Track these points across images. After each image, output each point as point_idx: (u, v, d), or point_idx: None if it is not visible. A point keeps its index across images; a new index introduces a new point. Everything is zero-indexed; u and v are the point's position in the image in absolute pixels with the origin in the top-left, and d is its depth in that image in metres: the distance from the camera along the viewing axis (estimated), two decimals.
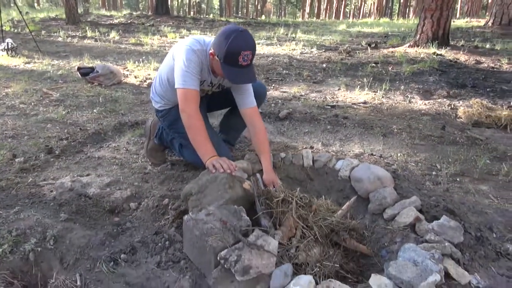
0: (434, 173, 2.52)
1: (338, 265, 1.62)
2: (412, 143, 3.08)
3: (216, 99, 2.48)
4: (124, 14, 17.67)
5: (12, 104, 3.86)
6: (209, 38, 2.13)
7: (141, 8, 49.78)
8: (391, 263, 1.40)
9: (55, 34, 9.70)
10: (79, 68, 4.89)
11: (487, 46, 8.16)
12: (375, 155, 2.79)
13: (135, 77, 5.26)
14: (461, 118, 3.78)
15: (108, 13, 18.59)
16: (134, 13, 20.21)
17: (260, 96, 2.41)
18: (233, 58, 1.88)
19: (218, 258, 1.38)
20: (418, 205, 1.87)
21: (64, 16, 14.28)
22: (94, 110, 3.77)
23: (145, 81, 5.04)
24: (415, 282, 1.29)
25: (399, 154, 2.81)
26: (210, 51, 1.99)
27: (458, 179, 2.47)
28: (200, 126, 1.99)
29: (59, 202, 2.01)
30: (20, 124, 3.33)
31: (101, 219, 1.95)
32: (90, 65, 5.34)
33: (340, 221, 1.75)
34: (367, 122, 3.56)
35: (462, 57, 6.68)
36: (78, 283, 1.51)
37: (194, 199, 1.76)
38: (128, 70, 5.66)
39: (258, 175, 2.05)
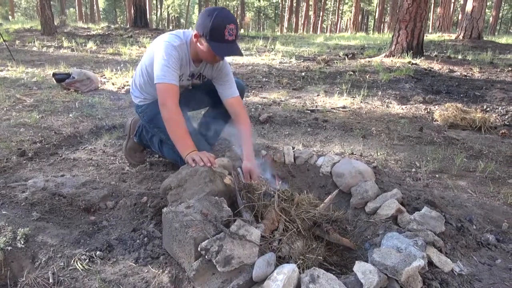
0: (413, 170, 2.55)
1: (321, 258, 1.59)
2: (391, 144, 3.11)
3: (196, 96, 2.44)
4: (102, 27, 17.49)
5: None
6: (188, 31, 2.11)
7: (119, 22, 49.55)
8: (375, 250, 1.38)
9: (30, 44, 9.49)
10: (54, 74, 4.78)
11: (459, 56, 8.44)
12: (355, 154, 2.81)
13: (113, 84, 5.18)
14: (437, 121, 3.85)
15: (85, 25, 18.37)
16: (112, 26, 20.07)
17: (239, 91, 2.39)
18: (219, 33, 1.88)
19: (199, 249, 1.34)
20: (400, 197, 1.87)
21: (39, 27, 14.04)
22: (70, 115, 3.67)
23: (123, 87, 4.97)
24: (399, 267, 1.28)
25: (379, 154, 2.83)
26: (194, 33, 1.97)
27: (437, 175, 2.50)
28: (180, 120, 1.96)
29: (31, 202, 1.92)
30: None
31: (76, 218, 1.87)
32: (66, 71, 5.23)
33: (322, 213, 1.73)
34: (347, 125, 3.59)
35: (436, 66, 6.87)
36: (51, 280, 1.43)
37: (174, 193, 1.71)
38: (105, 78, 5.57)
39: (239, 169, 2.02)
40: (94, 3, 42.11)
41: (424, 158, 2.78)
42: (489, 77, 6.19)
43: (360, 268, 1.30)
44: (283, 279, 1.23)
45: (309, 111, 4.08)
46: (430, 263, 1.48)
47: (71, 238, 1.69)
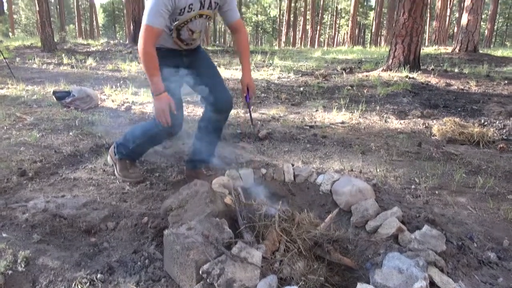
0: (413, 186, 2.56)
1: (323, 278, 1.59)
2: (390, 159, 3.12)
3: (196, 72, 2.44)
4: (102, 43, 17.65)
5: None
6: None
7: (118, 37, 50.01)
8: (377, 271, 1.38)
9: (30, 61, 9.55)
10: (54, 92, 4.81)
11: (456, 70, 8.51)
12: (354, 171, 2.82)
13: (112, 101, 5.20)
14: (435, 135, 3.87)
15: (85, 42, 18.54)
16: (112, 41, 20.25)
17: (227, 103, 2.49)
18: None
19: (200, 272, 1.34)
20: (400, 215, 1.88)
21: (39, 44, 14.16)
22: (70, 133, 3.68)
23: (123, 104, 4.99)
24: (401, 287, 1.28)
25: (378, 170, 2.84)
26: None
27: (436, 192, 2.51)
28: (151, 61, 2.07)
29: (32, 224, 1.92)
30: None
31: (76, 240, 1.87)
32: (66, 89, 5.26)
33: (323, 233, 1.74)
34: (346, 141, 3.61)
35: (433, 80, 6.93)
36: None
37: (175, 214, 1.72)
38: (105, 95, 5.60)
39: (239, 189, 2.03)
40: (94, 19, 42.54)
41: (423, 174, 2.79)
42: (486, 90, 6.24)
43: None
44: None
45: (308, 127, 4.10)
46: (432, 283, 1.48)
47: (72, 261, 1.68)
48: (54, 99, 4.83)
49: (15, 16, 43.49)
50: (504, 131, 4.04)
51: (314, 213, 2.04)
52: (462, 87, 6.46)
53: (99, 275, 1.58)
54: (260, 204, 1.82)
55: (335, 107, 4.99)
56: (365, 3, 51.20)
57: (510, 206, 2.30)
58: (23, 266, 1.61)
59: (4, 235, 1.79)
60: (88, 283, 1.54)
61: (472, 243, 1.89)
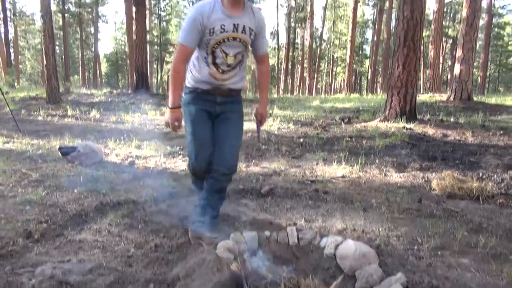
0: (415, 247, 2.58)
1: None
2: (392, 217, 3.16)
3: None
4: (104, 92, 18.14)
5: None
6: None
7: (120, 86, 51.25)
8: None
9: (35, 113, 9.79)
10: (60, 148, 4.92)
11: (452, 119, 8.71)
12: (357, 230, 2.84)
13: (116, 155, 5.30)
14: (435, 190, 3.93)
15: (88, 92, 19.04)
16: (114, 91, 20.78)
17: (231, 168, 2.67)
18: None
19: None
20: (404, 281, 1.90)
21: (44, 95, 14.55)
22: (75, 190, 3.74)
23: (126, 159, 5.09)
24: None
25: (380, 229, 2.87)
26: None
27: (439, 252, 2.52)
28: (176, 78, 2.40)
29: None
30: None
31: None
32: (71, 144, 5.37)
33: None
34: (347, 197, 3.66)
35: (430, 131, 7.08)
36: None
37: (182, 284, 1.74)
38: (109, 148, 5.72)
39: (244, 255, 2.05)
40: (97, 68, 43.80)
41: (425, 233, 2.82)
42: (482, 141, 6.37)
43: None
44: None
45: (309, 182, 4.16)
46: None
47: None
48: (59, 154, 4.93)
49: (20, 66, 44.87)
50: (503, 185, 4.10)
51: (319, 278, 2.06)
52: (459, 138, 6.59)
53: None
54: (266, 272, 1.84)
55: (335, 160, 5.08)
56: (360, 52, 53.04)
57: None
58: None
59: None
60: None
61: None
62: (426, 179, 4.34)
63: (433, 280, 1.98)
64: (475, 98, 14.71)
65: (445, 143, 6.22)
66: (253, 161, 5.14)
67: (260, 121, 2.84)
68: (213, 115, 2.59)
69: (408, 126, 7.29)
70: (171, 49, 48.05)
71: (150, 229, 2.85)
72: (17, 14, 40.72)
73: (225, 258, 1.90)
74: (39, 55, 47.58)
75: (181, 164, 5.01)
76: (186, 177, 4.27)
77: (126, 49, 47.17)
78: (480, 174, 4.47)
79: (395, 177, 4.47)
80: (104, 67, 58.84)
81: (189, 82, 2.57)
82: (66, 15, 36.39)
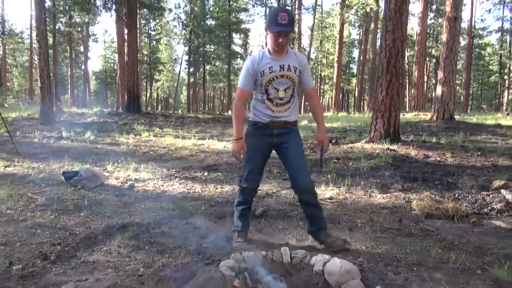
0: (394, 263, 2.90)
1: None
2: (375, 236, 3.49)
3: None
4: (95, 111, 18.37)
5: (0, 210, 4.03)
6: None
7: (109, 104, 51.36)
8: None
9: (30, 134, 9.97)
10: (63, 173, 5.17)
11: (434, 139, 9.18)
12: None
13: (116, 178, 5.57)
14: (415, 210, 4.28)
15: (79, 111, 19.26)
16: (105, 110, 21.01)
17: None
18: (273, 20, 2.74)
19: None
20: None
21: (36, 115, 14.72)
22: (81, 214, 3.99)
23: (126, 182, 5.35)
24: None
25: (363, 247, 3.20)
26: (265, 29, 2.90)
27: (415, 268, 2.85)
28: (237, 115, 2.99)
29: None
30: (11, 230, 3.50)
31: None
32: (74, 169, 5.62)
33: None
34: (334, 217, 3.98)
35: (413, 152, 7.50)
36: None
37: None
38: (108, 171, 5.97)
39: (246, 273, 2.35)
40: (87, 87, 43.92)
41: (404, 250, 3.15)
42: (461, 162, 6.80)
43: None
44: None
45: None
46: None
47: None
48: (62, 177, 5.17)
49: (8, 84, 44.76)
50: (476, 205, 4.48)
51: None
52: (439, 159, 7.01)
53: None
54: (264, 286, 2.14)
55: (323, 182, 5.42)
56: (347, 70, 54.20)
57: (478, 280, 2.65)
58: None
59: None
60: None
61: None
62: (407, 199, 4.70)
63: None
64: (457, 117, 15.35)
65: (426, 164, 6.63)
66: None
67: (322, 148, 3.21)
68: (273, 145, 3.12)
69: (392, 147, 7.70)
70: (160, 67, 48.62)
71: (156, 250, 3.12)
72: (6, 33, 40.82)
73: (228, 276, 2.19)
74: (26, 73, 47.64)
75: (178, 186, 5.29)
76: (183, 200, 4.57)
77: (115, 67, 47.60)
78: (456, 195, 4.85)
79: (378, 198, 4.82)
80: (92, 84, 58.97)
81: (252, 117, 3.11)
82: (56, 34, 36.69)
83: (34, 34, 40.68)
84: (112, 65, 54.81)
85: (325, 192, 5.00)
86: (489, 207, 4.37)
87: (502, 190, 4.70)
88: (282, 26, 2.74)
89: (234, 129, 3.01)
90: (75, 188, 4.91)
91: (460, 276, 2.72)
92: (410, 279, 2.66)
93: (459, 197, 4.77)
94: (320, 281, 2.49)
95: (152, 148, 8.44)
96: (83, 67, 46.98)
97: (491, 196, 4.69)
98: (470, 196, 4.77)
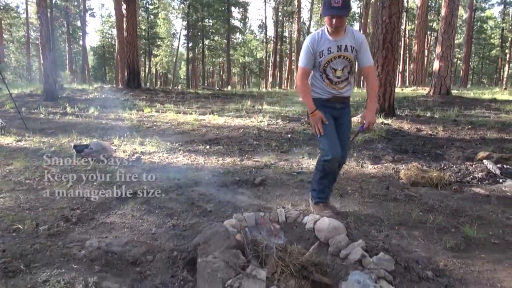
0: (378, 223, 3.26)
1: None
2: (363, 201, 3.84)
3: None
4: (96, 88, 18.55)
5: (19, 180, 4.37)
6: None
7: (108, 79, 51.20)
8: (343, 282, 2.06)
9: (36, 110, 10.24)
10: (75, 146, 5.49)
11: (428, 114, 9.46)
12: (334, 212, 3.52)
13: (123, 151, 5.90)
14: (402, 179, 4.63)
15: (80, 87, 19.42)
16: (105, 86, 21.16)
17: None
18: (327, 2, 2.82)
19: (226, 285, 2.00)
20: (364, 246, 2.57)
21: (39, 91, 14.92)
22: (94, 183, 4.34)
23: (133, 155, 5.69)
24: None
25: (352, 210, 3.56)
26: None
27: (396, 227, 3.21)
28: (304, 90, 3.11)
29: (91, 258, 2.56)
30: (32, 197, 3.85)
31: (126, 269, 2.51)
32: (84, 143, 5.95)
33: (308, 259, 2.41)
34: None
35: (406, 126, 7.81)
36: None
37: (202, 248, 2.38)
38: (115, 145, 6.30)
39: (246, 228, 2.70)
40: (86, 62, 43.71)
41: (388, 213, 3.51)
42: (451, 135, 7.12)
43: None
44: None
45: (295, 173, 4.83)
46: None
47: (127, 284, 2.32)
48: (73, 151, 5.50)
49: (5, 60, 44.53)
50: (459, 174, 4.83)
51: (301, 245, 2.72)
52: (431, 133, 7.33)
53: None
54: (262, 240, 2.50)
55: (319, 154, 5.74)
56: None
57: (450, 237, 3.02)
58: None
59: (74, 266, 2.43)
60: None
61: (417, 265, 2.58)
62: (396, 170, 5.04)
63: (385, 245, 2.67)
64: (455, 92, 15.55)
65: (418, 137, 6.95)
66: (246, 155, 5.79)
67: (364, 126, 3.22)
68: (334, 118, 3.26)
69: (386, 121, 8.00)
70: (158, 42, 48.28)
71: (166, 213, 3.48)
72: (2, 8, 40.33)
73: (231, 231, 2.54)
74: (24, 48, 47.28)
75: (182, 158, 5.63)
76: (188, 171, 4.91)
77: (113, 43, 47.21)
78: (442, 165, 5.19)
79: (370, 168, 5.16)
80: (90, 60, 58.51)
81: (313, 95, 3.20)
82: (53, 9, 36.29)
83: (30, 8, 40.47)
84: (110, 40, 54.28)
85: None
86: (471, 176, 4.72)
87: (484, 161, 5.04)
88: (335, 9, 2.79)
89: (306, 103, 3.14)
90: (86, 160, 5.24)
91: (435, 234, 3.09)
92: (391, 236, 3.03)
93: (445, 167, 5.11)
94: (311, 237, 2.85)
95: (155, 123, 8.74)
96: (80, 42, 46.60)
97: (474, 166, 5.04)
98: (455, 166, 5.11)
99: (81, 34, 44.74)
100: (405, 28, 34.98)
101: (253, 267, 2.10)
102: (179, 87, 34.35)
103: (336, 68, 3.08)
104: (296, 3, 37.43)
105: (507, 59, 45.68)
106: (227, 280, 2.02)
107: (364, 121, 3.20)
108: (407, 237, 3.03)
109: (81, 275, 2.34)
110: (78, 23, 46.02)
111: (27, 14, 41.32)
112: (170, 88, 26.72)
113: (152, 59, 52.39)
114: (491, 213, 3.59)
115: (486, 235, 3.08)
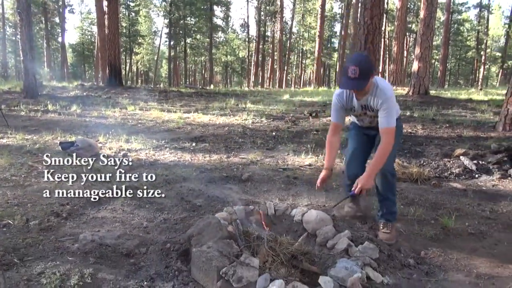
0: (362, 216, 3.40)
1: (298, 280, 2.36)
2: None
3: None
4: (76, 85, 18.31)
5: (5, 177, 4.34)
6: None
7: (87, 77, 50.40)
8: (332, 269, 2.18)
9: (16, 108, 10.06)
10: (60, 143, 5.47)
11: (408, 113, 9.72)
12: (320, 205, 3.65)
13: (109, 148, 5.90)
14: None
15: (59, 84, 19.12)
16: (85, 84, 20.86)
17: None
18: (345, 71, 2.67)
19: (220, 273, 2.09)
20: (349, 236, 2.70)
21: (17, 88, 14.65)
22: (82, 180, 4.34)
23: (119, 152, 5.70)
24: (346, 277, 2.08)
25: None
26: None
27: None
28: (327, 146, 3.13)
29: (85, 251, 2.61)
30: (20, 193, 3.85)
31: (120, 261, 2.57)
32: (68, 139, 5.92)
33: (297, 249, 2.52)
34: (313, 181, 4.42)
35: None
36: None
37: (195, 239, 2.46)
38: (100, 143, 6.28)
39: (238, 220, 2.80)
40: (65, 60, 42.88)
41: (372, 207, 3.65)
42: (430, 133, 7.37)
43: (322, 279, 2.10)
44: None
45: (281, 169, 4.94)
46: (368, 277, 2.28)
47: (122, 275, 2.38)
48: (59, 148, 5.48)
49: None
50: (438, 170, 5.03)
51: (290, 236, 2.83)
52: (411, 131, 7.56)
53: (145, 283, 2.29)
54: (253, 231, 2.60)
55: (303, 151, 5.89)
56: (329, 45, 54.35)
57: (430, 228, 3.19)
58: (89, 279, 2.30)
59: (69, 258, 2.47)
60: None
61: (399, 253, 2.73)
62: None
63: (370, 235, 2.80)
64: (433, 92, 15.97)
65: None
66: (233, 153, 5.87)
67: (355, 191, 2.81)
68: (371, 136, 3.16)
69: None
70: (139, 40, 47.77)
71: (156, 208, 3.55)
72: None
73: (223, 223, 2.63)
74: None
75: (168, 155, 5.68)
76: (175, 167, 4.97)
77: (93, 40, 46.44)
78: (422, 162, 5.40)
79: None
80: (69, 57, 57.38)
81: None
82: (31, 4, 35.46)
83: (6, 3, 39.45)
84: (89, 37, 53.40)
85: (304, 160, 5.47)
86: (449, 172, 4.93)
87: (461, 157, 5.26)
88: (350, 83, 2.65)
89: (325, 158, 3.23)
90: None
91: (416, 225, 3.25)
92: (374, 227, 3.17)
93: (424, 164, 5.32)
94: (299, 229, 2.96)
95: (139, 121, 8.73)
96: (59, 39, 45.71)
97: (451, 162, 5.25)
98: (433, 163, 5.32)
99: (59, 31, 43.88)
100: (385, 29, 35.64)
101: (247, 256, 2.20)
102: (161, 85, 34.13)
103: (364, 120, 3.09)
104: (278, 2, 37.65)
105: (482, 61, 47.04)
106: (221, 268, 2.11)
107: (358, 185, 2.80)
108: None
109: (76, 267, 2.39)
110: (57, 20, 45.14)
111: (2, 9, 40.33)
112: (152, 86, 26.54)
113: (133, 57, 51.80)
114: (467, 206, 3.78)
115: (463, 226, 3.27)
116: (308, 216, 2.93)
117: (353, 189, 2.82)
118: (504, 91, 8.98)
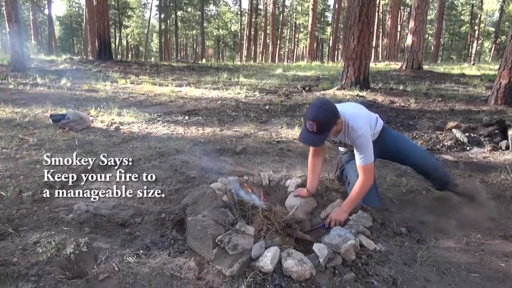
0: None
1: (292, 247, 2.39)
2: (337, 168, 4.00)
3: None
4: (65, 59, 17.95)
5: None
6: None
7: (76, 51, 49.39)
8: (326, 236, 2.22)
9: (4, 81, 9.86)
10: (51, 115, 5.39)
11: (401, 87, 9.71)
12: None
13: (101, 122, 5.84)
14: None
15: (48, 58, 18.74)
16: (74, 57, 20.44)
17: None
18: (304, 123, 2.54)
19: (216, 241, 2.11)
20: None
21: (4, 62, 14.31)
22: (74, 152, 4.31)
23: (111, 125, 5.64)
24: (340, 244, 2.12)
25: (330, 175, 3.72)
26: None
27: None
28: (309, 166, 3.00)
29: (80, 221, 2.61)
30: (11, 166, 3.81)
31: (115, 231, 2.58)
32: (61, 112, 5.84)
33: (292, 218, 2.55)
34: (306, 153, 4.43)
35: (380, 98, 8.03)
36: (116, 268, 2.14)
37: (190, 208, 2.47)
38: (92, 116, 6.21)
39: (232, 190, 2.81)
40: (52, 33, 41.83)
41: None
42: (422, 107, 7.39)
43: (316, 246, 2.13)
44: (270, 255, 2.03)
45: (275, 142, 4.95)
46: (361, 245, 2.32)
47: (117, 244, 2.40)
48: (50, 121, 5.40)
49: None
50: (430, 142, 5.07)
51: (284, 207, 2.86)
52: (403, 104, 7.58)
53: (141, 251, 2.30)
54: (248, 201, 2.61)
55: (297, 124, 5.88)
56: (322, 19, 53.59)
57: (422, 197, 3.24)
58: (85, 248, 2.31)
59: (64, 228, 2.48)
60: (134, 256, 2.26)
61: (392, 223, 2.77)
62: None
63: (362, 205, 2.84)
64: (426, 67, 15.95)
65: (391, 109, 7.18)
66: (226, 126, 5.85)
67: (324, 224, 2.60)
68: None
69: (361, 94, 8.20)
70: (129, 12, 46.66)
71: (149, 181, 3.53)
72: None
73: (218, 192, 2.64)
74: None
75: (161, 129, 5.64)
76: (168, 140, 4.94)
77: (81, 12, 45.22)
78: (414, 134, 5.43)
79: None
80: (57, 30, 55.96)
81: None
82: None
83: None
84: (77, 9, 52.03)
85: (298, 132, 5.46)
86: (441, 144, 4.98)
87: (453, 130, 5.30)
88: (308, 136, 2.52)
89: None
90: (64, 130, 5.17)
91: (408, 195, 3.30)
92: None
93: (417, 136, 5.35)
94: None
95: (131, 95, 8.62)
96: (46, 11, 44.42)
97: (443, 135, 5.29)
98: (426, 135, 5.36)
99: (46, 2, 42.58)
100: (379, 3, 35.15)
101: (242, 224, 2.22)
102: (152, 59, 33.57)
103: (346, 147, 3.09)
104: None
105: (476, 36, 46.83)
106: (217, 236, 2.12)
107: (330, 217, 2.61)
108: (383, 198, 3.22)
109: (72, 236, 2.40)
110: None
111: None
112: (143, 60, 26.12)
113: (123, 30, 50.69)
114: (459, 177, 3.84)
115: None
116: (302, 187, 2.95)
117: (326, 221, 2.61)
118: (497, 67, 8.99)
